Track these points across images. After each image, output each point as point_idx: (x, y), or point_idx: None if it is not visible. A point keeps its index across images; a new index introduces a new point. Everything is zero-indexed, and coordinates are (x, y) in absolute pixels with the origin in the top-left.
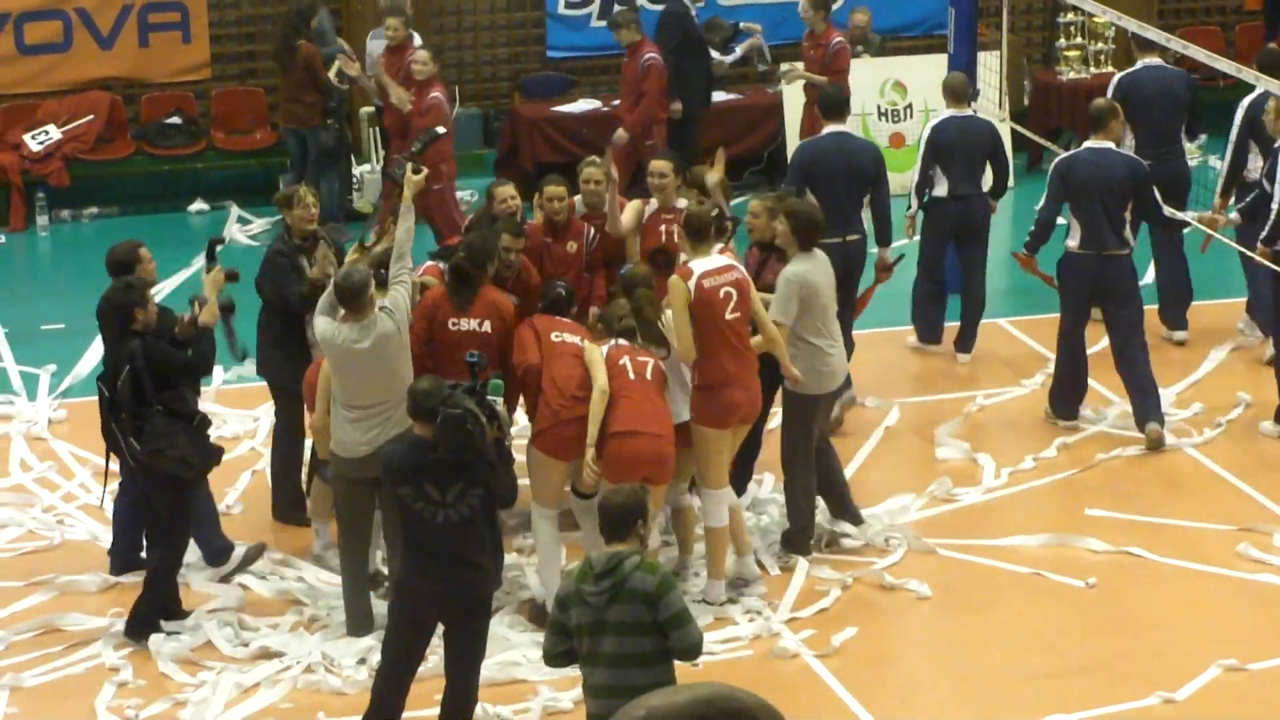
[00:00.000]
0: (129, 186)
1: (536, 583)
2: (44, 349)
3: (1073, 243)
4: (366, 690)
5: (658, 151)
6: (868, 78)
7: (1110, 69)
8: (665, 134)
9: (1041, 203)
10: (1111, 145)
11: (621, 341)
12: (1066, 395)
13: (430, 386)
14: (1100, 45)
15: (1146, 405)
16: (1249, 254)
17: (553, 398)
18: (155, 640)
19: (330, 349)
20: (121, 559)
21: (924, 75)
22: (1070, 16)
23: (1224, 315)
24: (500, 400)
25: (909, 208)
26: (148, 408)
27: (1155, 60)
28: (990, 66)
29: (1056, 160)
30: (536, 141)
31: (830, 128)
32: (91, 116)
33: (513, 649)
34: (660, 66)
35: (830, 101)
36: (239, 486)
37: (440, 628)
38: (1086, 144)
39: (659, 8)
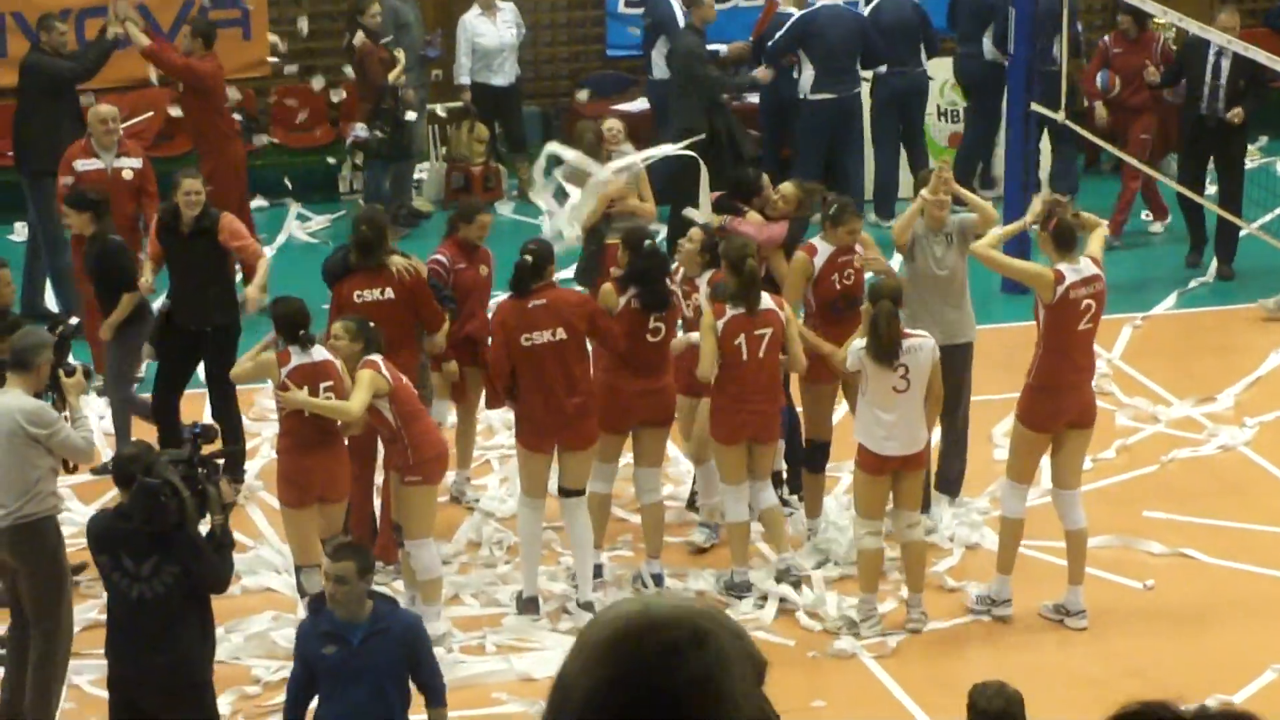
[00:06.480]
0: None
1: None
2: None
3: None
4: None
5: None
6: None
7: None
8: None
9: None
10: None
11: (740, 311)
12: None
13: (135, 452)
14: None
15: None
16: None
17: (537, 403)
18: None
19: None
20: None
21: None
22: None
23: None
24: (216, 488)
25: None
26: None
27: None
28: None
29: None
30: None
31: None
32: (151, 113)
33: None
34: None
35: None
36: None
37: None
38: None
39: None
